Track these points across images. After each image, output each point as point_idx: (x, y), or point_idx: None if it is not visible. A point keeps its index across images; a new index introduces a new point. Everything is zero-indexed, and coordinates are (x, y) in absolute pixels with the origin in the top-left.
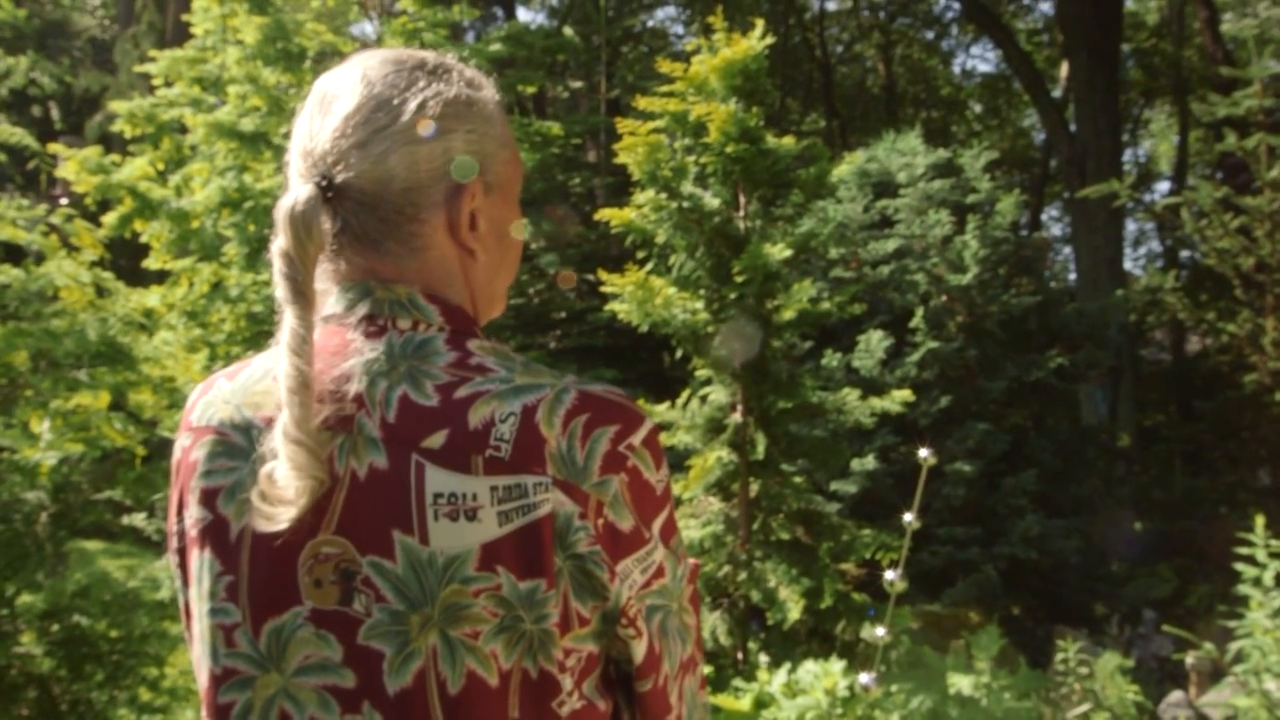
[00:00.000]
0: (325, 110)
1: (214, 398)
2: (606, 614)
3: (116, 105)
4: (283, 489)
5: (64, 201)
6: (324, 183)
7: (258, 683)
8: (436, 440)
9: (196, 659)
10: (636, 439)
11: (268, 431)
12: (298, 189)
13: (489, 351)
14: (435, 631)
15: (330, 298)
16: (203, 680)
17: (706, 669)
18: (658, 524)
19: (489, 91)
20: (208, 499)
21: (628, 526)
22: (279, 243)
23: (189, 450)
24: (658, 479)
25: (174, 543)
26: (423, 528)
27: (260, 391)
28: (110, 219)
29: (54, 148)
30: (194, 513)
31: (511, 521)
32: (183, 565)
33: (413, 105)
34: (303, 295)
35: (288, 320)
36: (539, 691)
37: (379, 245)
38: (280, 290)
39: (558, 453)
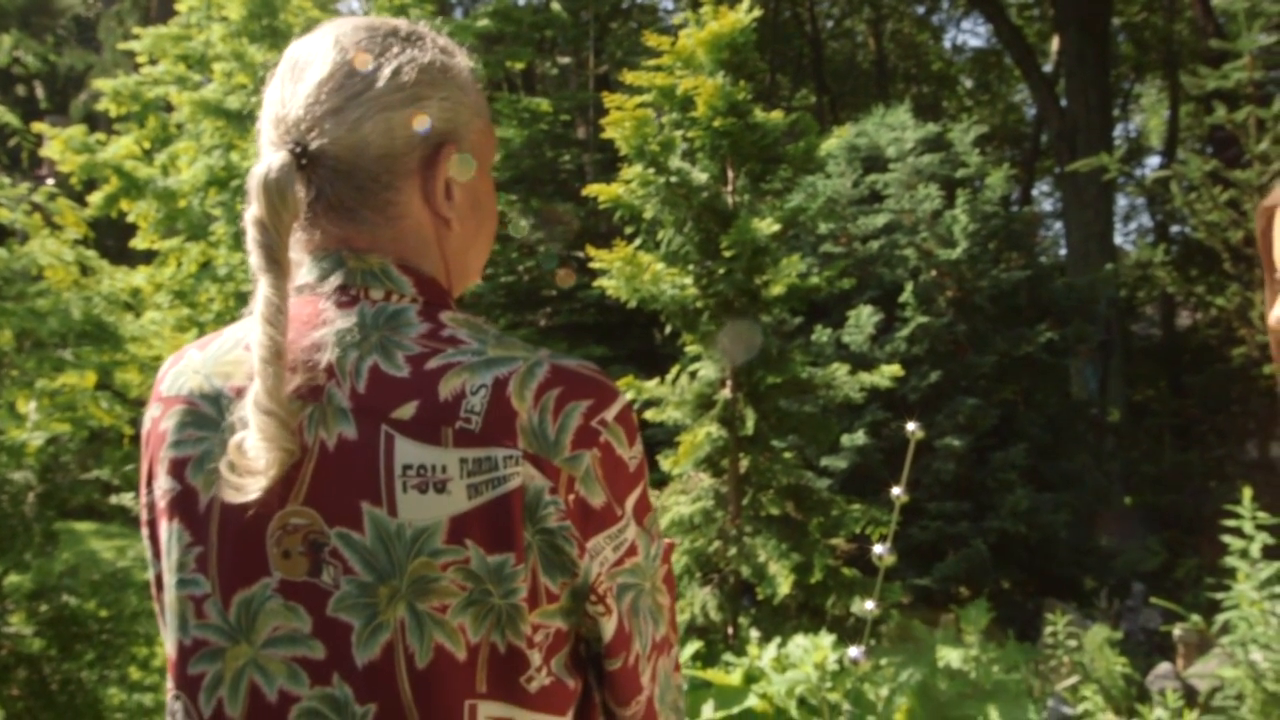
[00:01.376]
0: (297, 77)
1: (184, 368)
2: (576, 590)
3: (101, 83)
4: (252, 459)
5: (49, 181)
6: (298, 149)
7: (227, 654)
8: (406, 411)
9: (166, 630)
10: (609, 414)
11: (237, 402)
12: (271, 156)
13: (461, 323)
14: (403, 604)
15: (303, 268)
16: (171, 651)
17: (697, 644)
18: (630, 501)
19: (463, 59)
20: (176, 469)
21: (599, 503)
22: (252, 211)
23: (158, 420)
24: (630, 455)
25: (144, 514)
26: (391, 499)
27: (230, 361)
28: (96, 198)
29: (38, 127)
30: (162, 483)
31: (481, 495)
32: (153, 537)
33: (387, 71)
34: (277, 264)
35: (261, 289)
36: (507, 666)
37: (354, 213)
38: (254, 259)
39: (529, 426)
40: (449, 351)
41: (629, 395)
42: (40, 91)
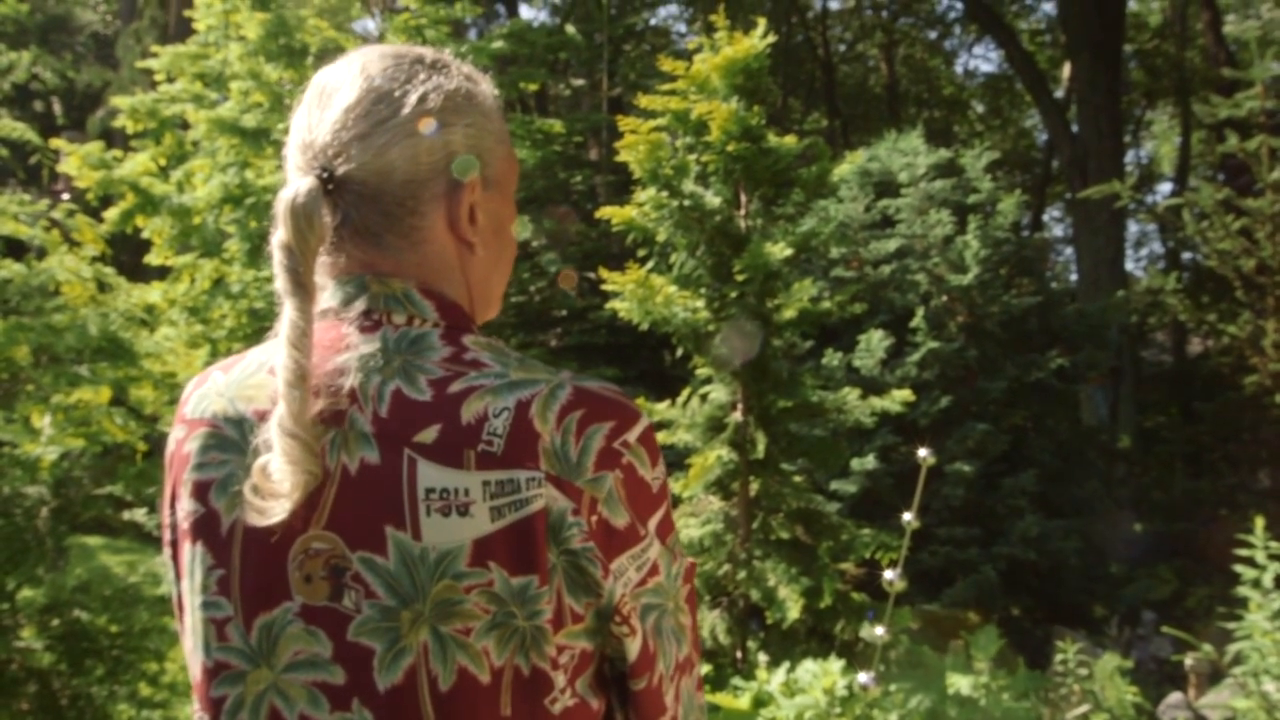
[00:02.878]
0: (325, 103)
1: (208, 390)
2: (600, 611)
3: (118, 101)
4: (276, 483)
5: (66, 197)
6: (325, 175)
7: (249, 677)
8: (429, 435)
9: (189, 651)
10: (632, 436)
11: (260, 425)
12: (298, 181)
13: (484, 347)
14: (426, 628)
15: (326, 292)
16: (195, 673)
17: (705, 668)
18: (653, 521)
19: (487, 87)
20: (200, 492)
21: (622, 523)
22: (279, 235)
23: (182, 443)
24: (653, 476)
25: (167, 535)
26: (415, 523)
27: (254, 385)
28: (112, 214)
29: (56, 143)
30: (186, 505)
31: (504, 517)
32: (175, 558)
33: (413, 98)
34: (303, 288)
35: (287, 313)
36: (531, 689)
37: (379, 238)
38: (280, 282)
39: (552, 448)
40: (472, 375)
41: None
42: (58, 108)
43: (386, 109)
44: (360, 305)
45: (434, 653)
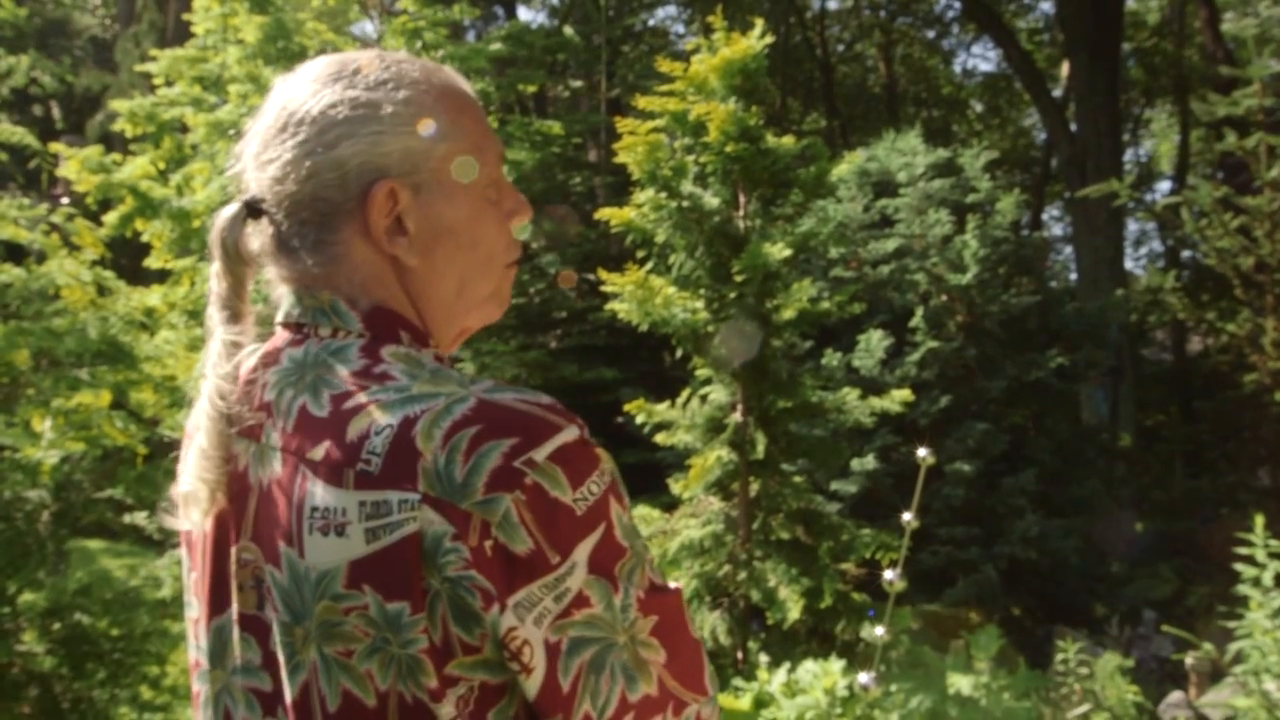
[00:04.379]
0: (253, 126)
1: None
2: (498, 643)
3: (117, 104)
4: (184, 493)
5: (65, 201)
6: (243, 200)
7: (210, 676)
8: (319, 452)
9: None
10: (539, 454)
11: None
12: (226, 207)
13: (400, 359)
14: (314, 647)
15: (282, 304)
16: (190, 667)
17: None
18: (583, 548)
19: (411, 86)
20: None
21: (524, 550)
22: (212, 264)
23: (183, 453)
24: (575, 498)
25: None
26: (300, 541)
27: None
28: (111, 218)
29: (55, 147)
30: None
31: (378, 539)
32: (183, 561)
33: (310, 116)
34: (228, 309)
35: (215, 335)
36: (416, 718)
37: (296, 254)
38: (211, 306)
39: (433, 468)
40: (373, 389)
41: (640, 418)
42: (57, 112)
43: (289, 129)
44: (293, 317)
45: (321, 672)
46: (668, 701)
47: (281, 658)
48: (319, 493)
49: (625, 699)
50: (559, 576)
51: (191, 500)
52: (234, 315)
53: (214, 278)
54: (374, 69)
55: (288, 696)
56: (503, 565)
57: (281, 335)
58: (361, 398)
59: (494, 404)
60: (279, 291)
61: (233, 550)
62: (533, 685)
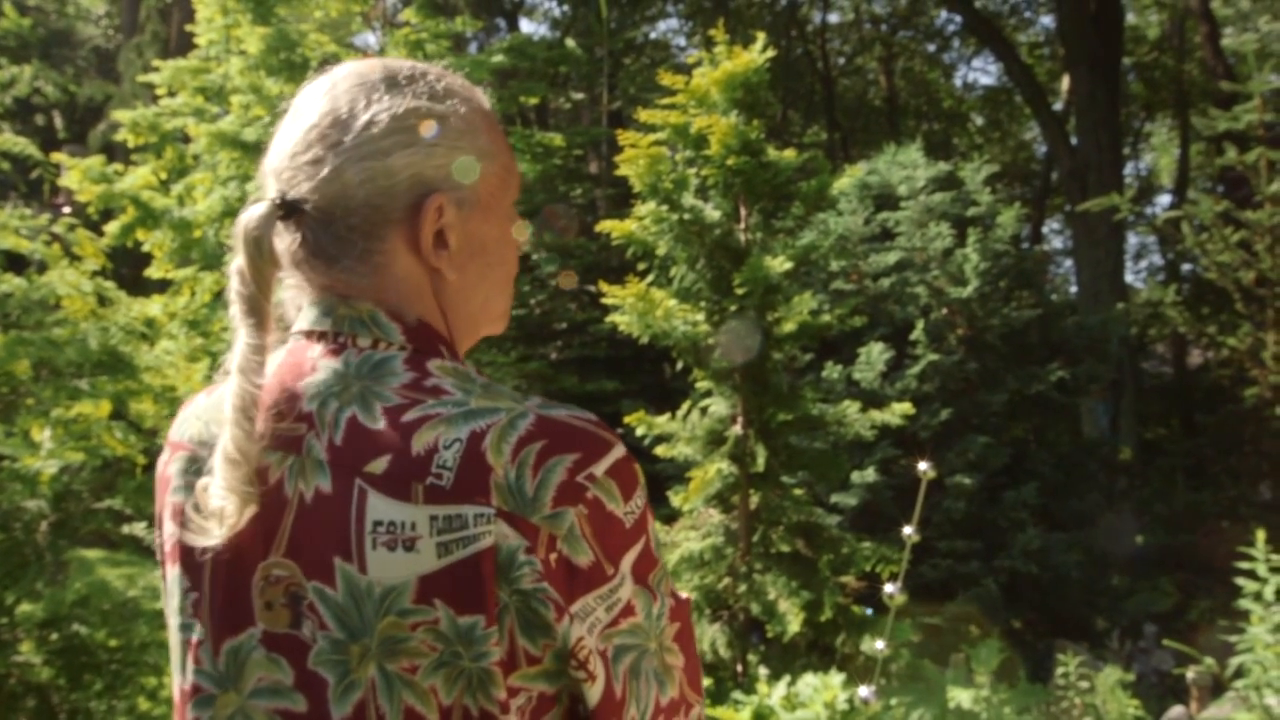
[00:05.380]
0: (288, 125)
1: (189, 413)
2: (558, 653)
3: (120, 114)
4: (213, 505)
5: (66, 210)
6: (279, 199)
7: (218, 701)
8: (379, 465)
9: (173, 671)
10: (599, 469)
11: None
12: (254, 207)
13: (449, 373)
14: (374, 663)
15: (302, 314)
16: (175, 694)
17: (705, 681)
18: (628, 559)
19: (463, 103)
20: (177, 515)
21: (585, 562)
22: (236, 260)
23: (165, 465)
24: (626, 511)
25: (158, 554)
26: (361, 556)
27: None
28: (113, 228)
29: (57, 157)
30: (167, 528)
31: (451, 554)
32: (164, 577)
33: (362, 121)
34: (256, 313)
35: (240, 338)
36: None
37: (336, 262)
38: (234, 307)
39: (505, 482)
40: (429, 403)
41: (640, 430)
42: (59, 121)
43: (338, 132)
44: (325, 327)
45: (381, 689)
46: (683, 704)
47: (330, 677)
48: (382, 506)
49: (659, 702)
50: (613, 587)
51: (217, 514)
52: (261, 319)
53: (237, 278)
54: (427, 78)
55: (335, 715)
56: (566, 577)
57: (304, 345)
58: (419, 411)
59: (553, 420)
60: (294, 299)
61: (260, 567)
62: (595, 692)
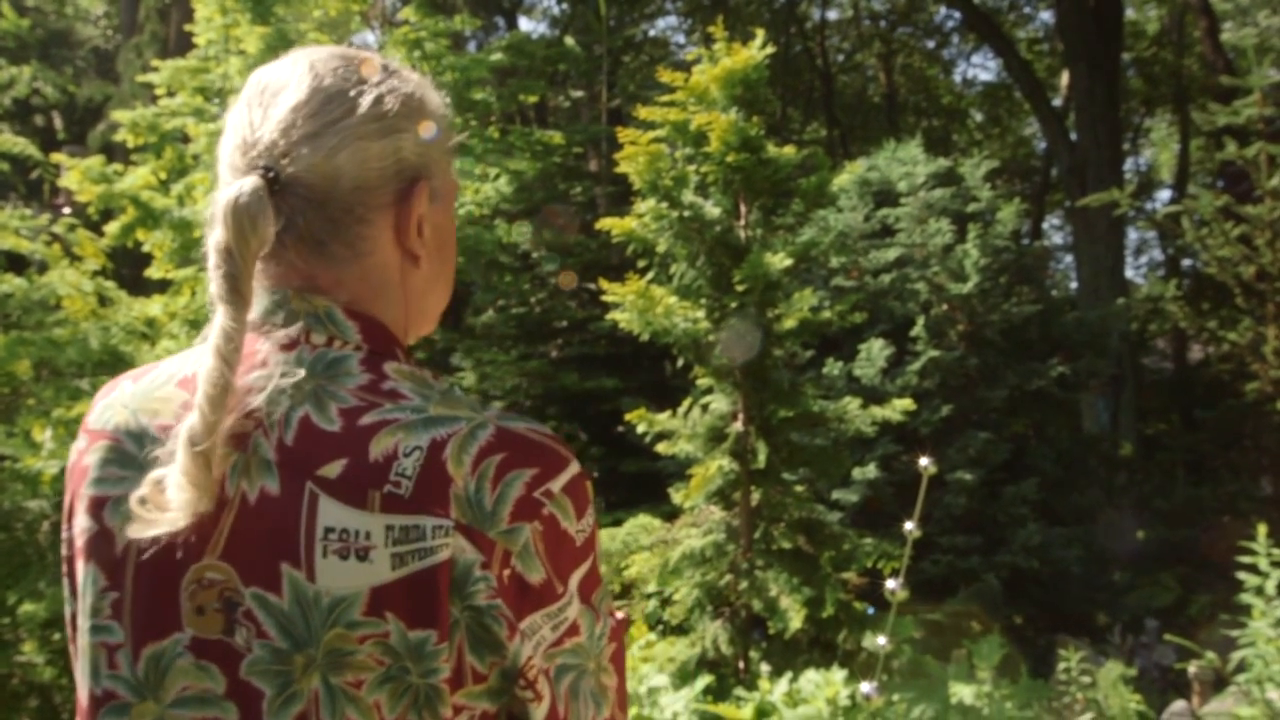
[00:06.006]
0: (268, 102)
1: (114, 400)
2: (505, 671)
3: (119, 115)
4: (168, 497)
5: (67, 211)
6: (270, 174)
7: (134, 710)
8: (333, 469)
9: (78, 675)
10: (556, 485)
11: (162, 442)
12: (241, 181)
13: (406, 376)
14: (317, 675)
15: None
16: (82, 699)
17: (708, 678)
18: (575, 578)
19: (438, 96)
20: (95, 509)
21: (537, 579)
22: (218, 236)
23: (82, 454)
24: (578, 529)
25: (64, 550)
26: (310, 563)
27: (160, 398)
28: (113, 228)
29: (57, 157)
30: (81, 522)
31: (406, 565)
32: (70, 575)
33: (368, 99)
34: (239, 294)
35: (218, 320)
36: None
37: (323, 246)
38: (215, 287)
39: (464, 494)
40: (387, 407)
41: (641, 427)
42: (59, 122)
43: (338, 109)
44: (278, 321)
45: (324, 703)
46: None
47: (266, 688)
48: (335, 512)
49: None
50: (561, 606)
51: (178, 507)
52: (244, 301)
53: (219, 255)
54: (404, 69)
55: None
56: (517, 594)
57: (251, 338)
58: (377, 415)
59: (512, 432)
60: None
61: (192, 569)
62: (540, 713)
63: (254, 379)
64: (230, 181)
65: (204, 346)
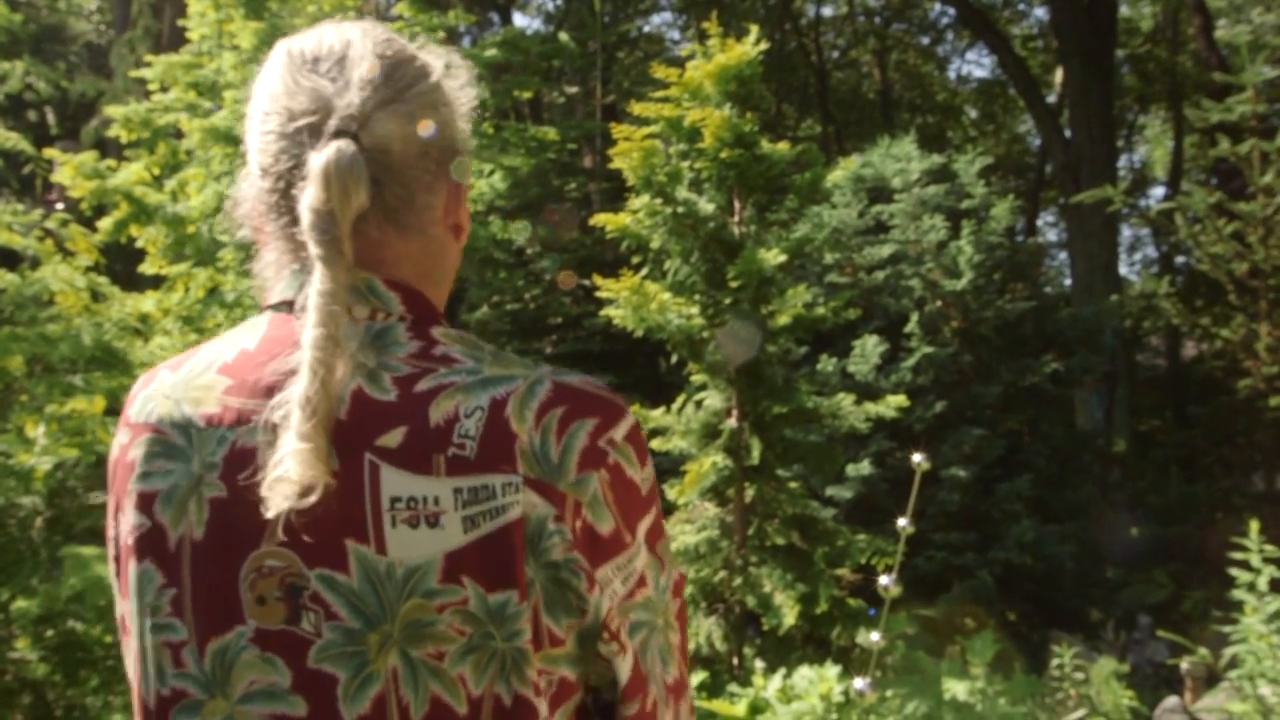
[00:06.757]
0: (329, 67)
1: (154, 391)
2: (583, 632)
3: (112, 110)
4: (295, 474)
5: (59, 206)
6: (357, 140)
7: (205, 708)
8: (393, 438)
9: (134, 677)
10: (618, 433)
11: (208, 431)
12: (336, 144)
13: (455, 340)
14: (395, 651)
15: (279, 285)
16: (148, 701)
17: (702, 674)
18: (643, 527)
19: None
20: (145, 504)
21: (608, 529)
22: (312, 199)
23: (126, 449)
24: (642, 477)
25: (110, 549)
26: (379, 535)
27: (202, 386)
28: (106, 224)
29: (50, 153)
30: (130, 518)
31: (478, 527)
32: (119, 574)
33: (429, 69)
34: (341, 254)
35: (318, 281)
36: None
37: (395, 215)
38: (316, 249)
39: (530, 449)
40: (441, 371)
41: None
42: (52, 117)
43: (407, 78)
44: (298, 303)
45: (405, 679)
46: (686, 684)
47: (340, 672)
48: (399, 481)
49: (665, 683)
50: (630, 556)
51: (301, 484)
52: (344, 261)
53: (319, 217)
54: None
55: (346, 715)
56: (589, 545)
57: (287, 317)
58: (433, 380)
59: (569, 385)
60: (276, 264)
61: (250, 558)
62: (626, 666)
63: (296, 359)
64: (285, 150)
65: (238, 332)
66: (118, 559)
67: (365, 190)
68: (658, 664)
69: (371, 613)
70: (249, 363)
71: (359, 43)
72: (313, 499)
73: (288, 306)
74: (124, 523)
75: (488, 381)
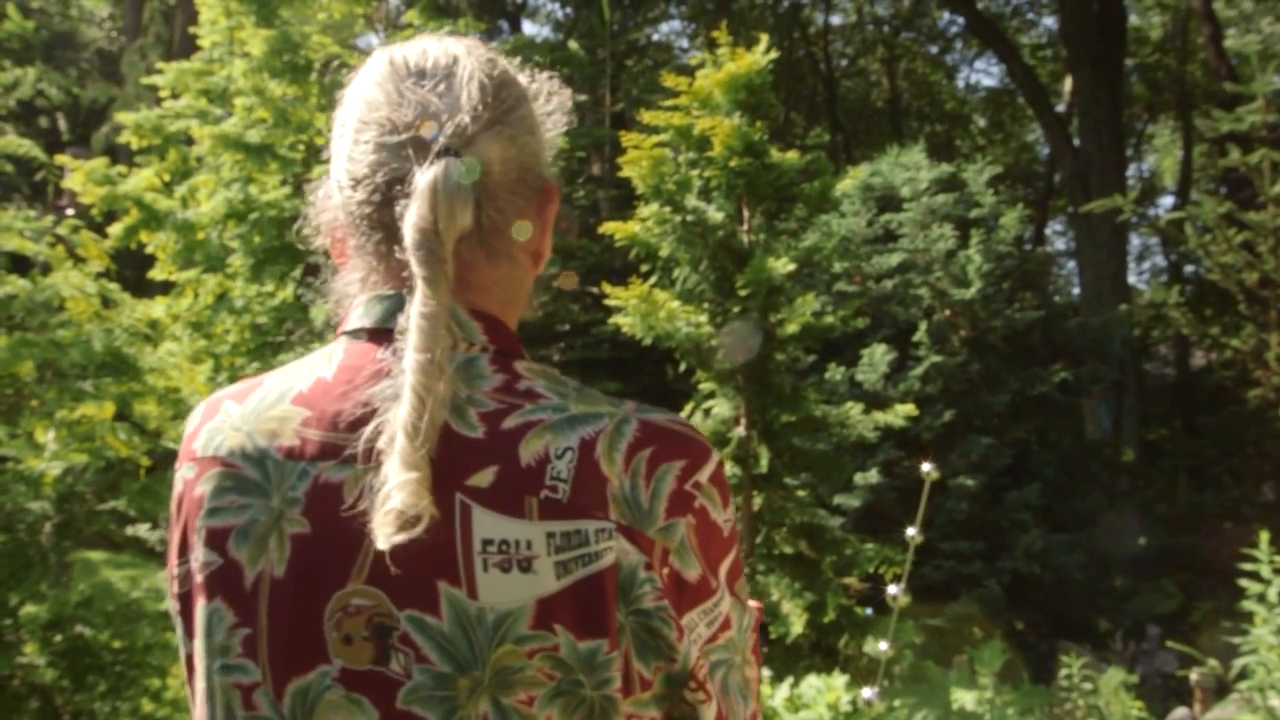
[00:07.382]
0: (440, 81)
1: (221, 423)
2: (671, 676)
3: (123, 117)
4: (404, 505)
5: (70, 212)
6: (460, 159)
7: None
8: (484, 478)
9: (201, 717)
10: (704, 475)
11: (286, 464)
12: (445, 161)
13: (538, 374)
14: (486, 698)
15: (357, 310)
16: None
17: None
18: (724, 569)
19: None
20: (216, 540)
21: (694, 575)
22: (417, 215)
23: (192, 484)
24: (725, 519)
25: (175, 587)
26: (470, 579)
27: (276, 417)
28: (116, 230)
29: (61, 159)
30: (200, 556)
31: (570, 574)
32: (185, 613)
33: (531, 92)
34: (445, 275)
35: (419, 303)
36: None
37: (487, 239)
38: (419, 268)
39: (620, 494)
40: (527, 408)
41: None
42: (63, 124)
43: (510, 100)
44: (398, 325)
45: None
46: (756, 717)
47: (430, 715)
48: (491, 523)
49: (744, 718)
50: (716, 601)
51: (402, 519)
52: (447, 282)
53: (423, 235)
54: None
55: None
56: (675, 592)
57: (364, 346)
58: (520, 417)
59: (654, 424)
60: (350, 290)
61: (335, 596)
62: (710, 713)
63: (379, 390)
64: (384, 162)
65: (312, 360)
66: (185, 597)
67: (470, 211)
68: (739, 703)
69: (462, 657)
70: (327, 393)
71: (465, 60)
72: (419, 530)
73: (365, 334)
74: (193, 560)
75: (575, 420)
